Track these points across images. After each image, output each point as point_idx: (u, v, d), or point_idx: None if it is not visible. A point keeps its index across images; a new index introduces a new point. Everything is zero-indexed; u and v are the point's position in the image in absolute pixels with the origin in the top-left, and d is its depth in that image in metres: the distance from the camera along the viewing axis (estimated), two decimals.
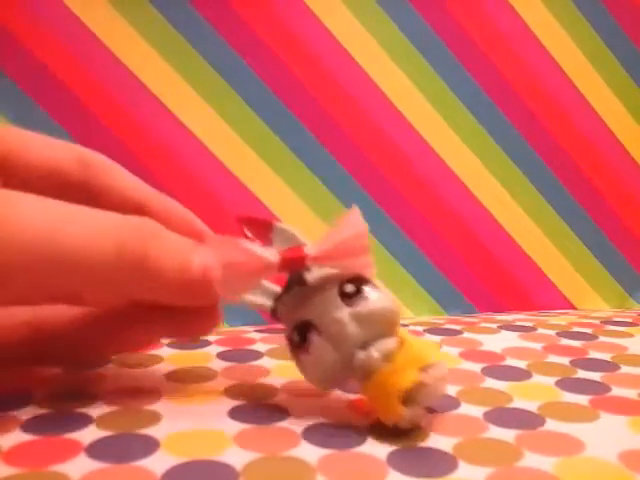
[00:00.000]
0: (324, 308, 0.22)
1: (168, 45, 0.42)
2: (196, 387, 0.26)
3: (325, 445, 0.21)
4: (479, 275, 0.47)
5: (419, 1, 0.45)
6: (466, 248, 0.47)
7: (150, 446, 0.21)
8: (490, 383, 0.27)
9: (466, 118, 0.46)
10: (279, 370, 0.28)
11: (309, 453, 0.20)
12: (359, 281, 0.23)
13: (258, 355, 0.30)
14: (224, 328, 0.38)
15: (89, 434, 0.21)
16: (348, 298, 0.22)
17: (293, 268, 0.23)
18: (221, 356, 0.30)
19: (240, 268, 0.22)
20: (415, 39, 0.45)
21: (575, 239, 0.50)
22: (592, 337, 0.34)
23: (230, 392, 0.25)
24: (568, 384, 0.27)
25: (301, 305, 0.23)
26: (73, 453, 0.20)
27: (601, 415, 0.24)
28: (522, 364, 0.29)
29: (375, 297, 0.22)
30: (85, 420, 0.22)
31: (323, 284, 0.23)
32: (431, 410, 0.24)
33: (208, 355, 0.30)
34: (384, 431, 0.22)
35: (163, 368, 0.28)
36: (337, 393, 0.25)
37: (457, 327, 0.36)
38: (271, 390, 0.26)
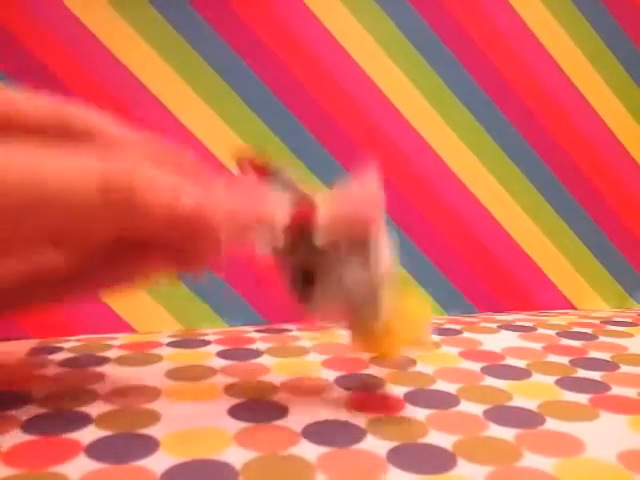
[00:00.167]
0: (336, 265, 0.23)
1: (168, 46, 0.42)
2: (196, 385, 0.26)
3: (325, 443, 0.21)
4: (479, 275, 0.47)
5: (419, 1, 0.45)
6: (466, 248, 0.47)
7: (150, 446, 0.21)
8: (490, 382, 0.27)
9: (465, 117, 0.46)
10: (279, 368, 0.28)
11: (309, 451, 0.20)
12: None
13: (258, 354, 0.30)
14: (224, 328, 0.38)
15: (89, 434, 0.21)
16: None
17: (301, 228, 0.22)
18: (221, 355, 0.30)
19: (248, 217, 0.22)
20: (413, 37, 0.45)
21: (575, 239, 0.50)
22: (592, 337, 0.34)
23: (230, 390, 0.25)
24: (568, 383, 0.27)
25: (303, 259, 0.23)
26: (73, 453, 0.20)
27: (601, 414, 0.24)
28: (522, 363, 0.29)
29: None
30: (85, 420, 0.22)
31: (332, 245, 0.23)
32: (431, 407, 0.24)
33: (208, 354, 0.30)
34: (384, 427, 0.22)
35: (163, 367, 0.28)
36: (337, 391, 0.25)
37: (457, 327, 0.36)
38: (271, 388, 0.26)
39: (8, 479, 0.19)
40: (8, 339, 0.34)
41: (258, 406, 0.24)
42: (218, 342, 0.32)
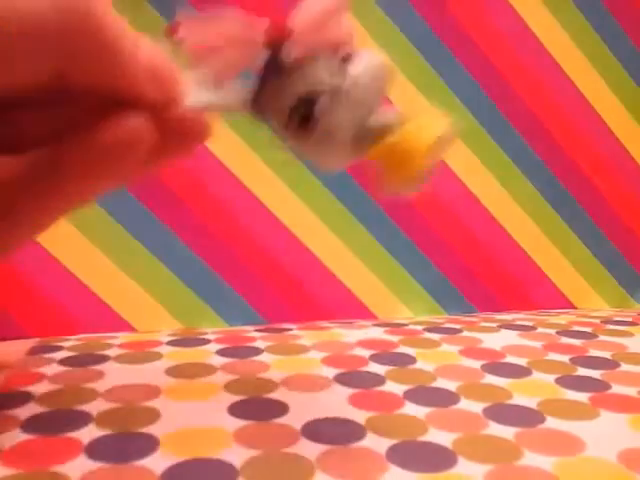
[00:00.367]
0: (326, 76, 0.20)
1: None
2: (196, 384, 0.26)
3: (324, 441, 0.21)
4: (479, 275, 0.47)
5: (419, 2, 0.45)
6: (466, 248, 0.47)
7: (150, 445, 0.21)
8: (490, 380, 0.27)
9: (465, 117, 0.46)
10: (278, 366, 0.28)
11: (308, 449, 0.20)
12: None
13: (258, 351, 0.30)
14: (224, 328, 0.38)
15: (88, 433, 0.21)
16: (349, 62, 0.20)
17: (276, 44, 0.20)
18: (220, 353, 0.30)
19: (225, 42, 0.20)
20: (415, 40, 0.45)
21: (575, 239, 0.50)
22: (592, 336, 0.34)
23: (229, 388, 0.25)
24: (568, 381, 0.27)
25: (292, 84, 0.20)
26: (73, 453, 0.20)
27: (601, 413, 0.24)
28: (522, 361, 0.29)
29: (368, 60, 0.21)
30: (85, 419, 0.22)
31: (313, 58, 0.20)
32: (431, 405, 0.24)
33: (208, 352, 0.30)
34: (384, 425, 0.22)
35: (163, 365, 0.28)
36: (337, 389, 0.25)
37: (457, 326, 0.36)
38: (270, 386, 0.26)
39: (8, 479, 0.19)
40: (8, 339, 0.34)
41: (258, 404, 0.24)
42: (218, 341, 0.32)
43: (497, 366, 0.29)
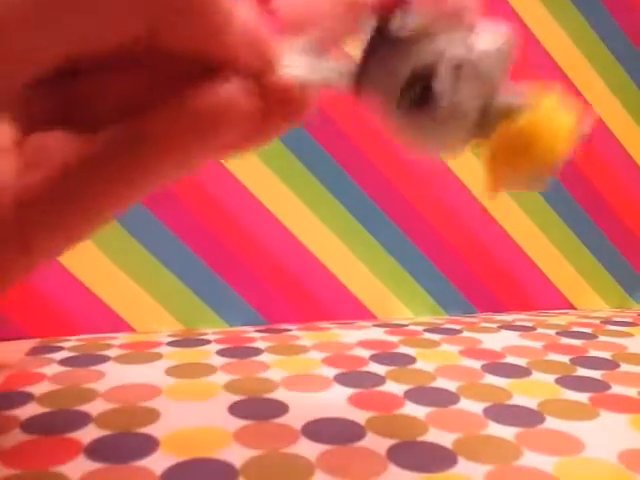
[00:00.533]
0: (448, 49, 0.17)
1: None
2: (196, 384, 0.26)
3: (324, 441, 0.21)
4: (479, 275, 0.47)
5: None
6: (466, 248, 0.47)
7: (150, 445, 0.21)
8: (490, 380, 0.27)
9: None
10: (278, 366, 0.28)
11: (308, 449, 0.20)
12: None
13: (258, 352, 0.30)
14: (224, 328, 0.38)
15: (88, 433, 0.21)
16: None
17: (385, 14, 0.18)
18: (220, 353, 0.30)
19: (325, 10, 0.18)
20: None
21: (575, 239, 0.49)
22: (592, 336, 0.34)
23: (229, 388, 0.25)
24: (568, 381, 0.27)
25: (406, 57, 0.17)
26: (72, 453, 0.20)
27: (601, 413, 0.24)
28: (522, 362, 0.29)
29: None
30: (84, 419, 0.22)
31: (432, 29, 0.17)
32: (431, 405, 0.24)
33: (208, 352, 0.30)
34: (384, 425, 0.22)
35: (162, 365, 0.28)
36: (337, 389, 0.25)
37: (457, 327, 0.36)
38: (270, 386, 0.26)
39: (8, 479, 0.19)
40: (8, 339, 0.34)
41: (258, 404, 0.24)
42: (218, 341, 0.32)
43: (497, 366, 0.29)
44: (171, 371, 0.27)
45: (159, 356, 0.29)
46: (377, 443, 0.21)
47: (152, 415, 0.23)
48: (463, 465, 0.20)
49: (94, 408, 0.23)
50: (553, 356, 0.30)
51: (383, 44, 0.18)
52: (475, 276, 0.47)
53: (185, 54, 0.16)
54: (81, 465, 0.19)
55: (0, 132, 0.17)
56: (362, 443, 0.21)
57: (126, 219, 0.40)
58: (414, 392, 0.25)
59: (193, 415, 0.23)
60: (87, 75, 0.18)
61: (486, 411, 0.24)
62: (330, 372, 0.27)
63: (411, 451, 0.20)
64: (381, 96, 0.18)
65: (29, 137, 0.17)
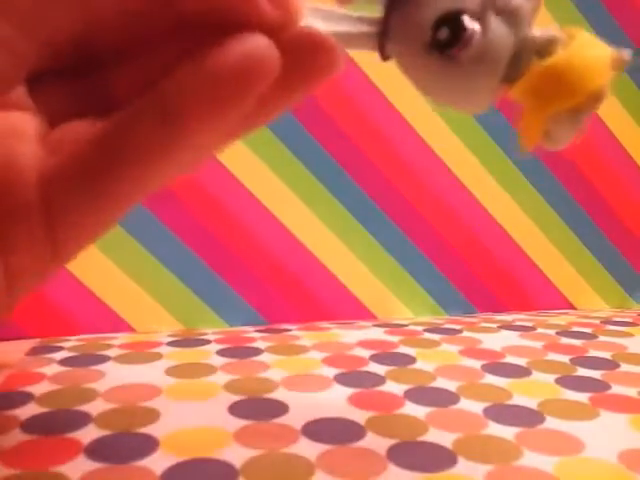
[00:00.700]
0: None
1: None
2: (196, 384, 0.26)
3: (324, 441, 0.21)
4: (479, 275, 0.47)
5: None
6: (466, 248, 0.47)
7: (150, 445, 0.21)
8: (490, 380, 0.27)
9: (465, 117, 0.46)
10: (278, 365, 0.28)
11: (308, 449, 0.20)
12: None
13: (258, 352, 0.30)
14: (224, 328, 0.38)
15: (88, 433, 0.21)
16: None
17: None
18: (220, 353, 0.30)
19: None
20: None
21: (575, 239, 0.49)
22: (592, 336, 0.34)
23: (229, 388, 0.25)
24: (568, 381, 0.27)
25: (431, 2, 0.16)
26: (72, 453, 0.20)
27: (601, 413, 0.24)
28: (522, 362, 0.29)
29: None
30: (84, 419, 0.22)
31: None
32: (431, 405, 0.24)
33: (208, 352, 0.30)
34: (384, 425, 0.22)
35: (162, 365, 0.28)
36: (337, 388, 0.25)
37: (457, 327, 0.36)
38: (270, 386, 0.26)
39: (8, 479, 0.19)
40: (8, 339, 0.34)
41: (258, 404, 0.24)
42: (218, 341, 0.32)
43: (497, 366, 0.29)
44: (171, 371, 0.27)
45: (159, 356, 0.29)
46: (377, 443, 0.21)
47: (152, 415, 0.23)
48: (463, 465, 0.20)
49: (94, 408, 0.23)
50: (553, 356, 0.30)
51: None
52: (475, 276, 0.47)
53: (205, 12, 0.16)
54: (81, 465, 0.19)
55: (23, 121, 0.17)
56: (362, 443, 0.21)
57: (126, 219, 0.40)
58: (414, 392, 0.25)
59: (193, 415, 0.23)
60: (106, 64, 0.18)
61: (486, 411, 0.24)
62: (330, 372, 0.27)
63: (411, 451, 0.20)
64: (408, 47, 0.17)
65: (53, 130, 0.17)
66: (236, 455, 0.20)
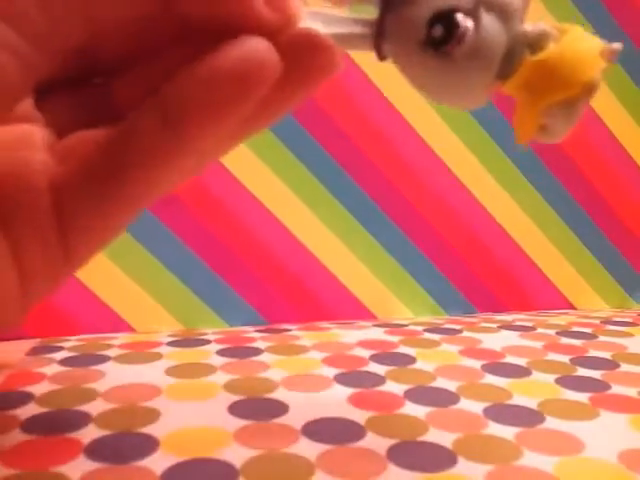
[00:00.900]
0: None
1: None
2: (196, 384, 0.26)
3: (324, 441, 0.21)
4: (479, 275, 0.47)
5: None
6: (466, 248, 0.47)
7: (150, 445, 0.21)
8: (490, 380, 0.27)
9: (465, 117, 0.46)
10: (278, 366, 0.28)
11: (308, 449, 0.20)
12: None
13: (258, 352, 0.30)
14: (224, 328, 0.38)
15: (88, 433, 0.21)
16: None
17: None
18: (220, 353, 0.30)
19: None
20: None
21: (575, 239, 0.49)
22: (592, 336, 0.34)
23: (229, 388, 0.25)
24: (568, 381, 0.27)
25: (425, 2, 0.17)
26: (72, 453, 0.20)
27: (601, 413, 0.24)
28: (522, 362, 0.29)
29: None
30: (84, 419, 0.22)
31: None
32: (431, 405, 0.24)
33: (208, 352, 0.30)
34: (384, 425, 0.22)
35: (162, 365, 0.28)
36: (337, 388, 0.25)
37: (457, 327, 0.36)
38: (270, 386, 0.26)
39: (8, 479, 0.19)
40: (8, 339, 0.34)
41: (258, 404, 0.24)
42: (218, 341, 0.32)
43: (497, 366, 0.29)
44: (171, 371, 0.27)
45: (159, 356, 0.29)
46: (377, 443, 0.21)
47: (152, 415, 0.23)
48: (463, 465, 0.20)
49: (94, 408, 0.23)
50: (553, 356, 0.30)
51: None
52: (475, 276, 0.47)
53: (203, 17, 0.16)
54: (81, 465, 0.19)
55: (32, 132, 0.17)
56: (362, 443, 0.21)
57: None
58: (414, 392, 0.25)
59: (193, 415, 0.23)
60: (109, 73, 0.18)
61: (486, 411, 0.24)
62: (330, 372, 0.27)
63: (411, 451, 0.20)
64: (403, 46, 0.17)
65: (60, 140, 0.17)
66: (236, 455, 0.20)
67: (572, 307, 0.49)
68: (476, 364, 0.29)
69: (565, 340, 0.33)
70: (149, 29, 0.17)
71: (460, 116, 0.46)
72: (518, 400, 0.25)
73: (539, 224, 0.49)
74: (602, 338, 0.34)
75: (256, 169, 0.42)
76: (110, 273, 0.39)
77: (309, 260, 0.43)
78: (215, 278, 0.41)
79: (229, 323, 0.41)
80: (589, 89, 0.17)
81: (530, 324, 0.37)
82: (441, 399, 0.25)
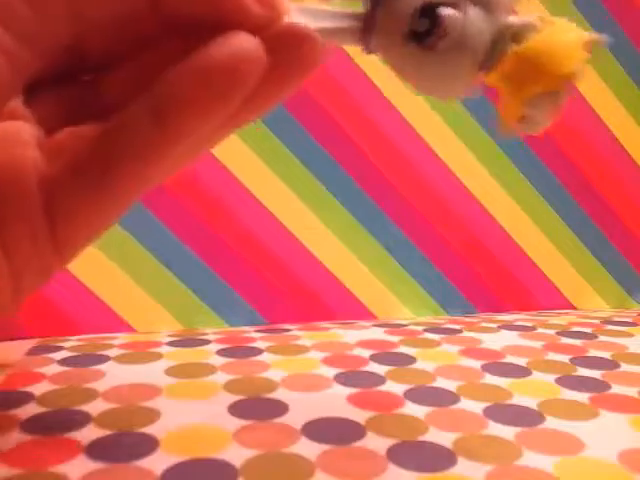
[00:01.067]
0: None
1: None
2: (196, 383, 0.26)
3: (324, 440, 0.21)
4: (479, 275, 0.47)
5: None
6: (466, 248, 0.47)
7: (150, 445, 0.21)
8: (490, 380, 0.27)
9: (464, 117, 0.46)
10: (279, 365, 0.28)
11: (308, 449, 0.20)
12: None
13: (258, 352, 0.30)
14: (224, 328, 0.38)
15: (88, 433, 0.21)
16: None
17: None
18: (220, 353, 0.30)
19: None
20: None
21: (575, 239, 0.49)
22: (592, 336, 0.34)
23: (229, 388, 0.25)
24: (568, 381, 0.27)
25: None
26: (72, 453, 0.20)
27: (601, 413, 0.24)
28: (522, 361, 0.29)
29: None
30: (84, 419, 0.22)
31: None
32: (431, 405, 0.24)
33: (208, 352, 0.30)
34: (384, 425, 0.22)
35: (162, 365, 0.28)
36: (337, 388, 0.25)
37: (457, 327, 0.36)
38: (270, 386, 0.26)
39: (8, 479, 0.19)
40: (8, 339, 0.34)
41: (258, 404, 0.24)
42: (218, 341, 0.32)
43: (497, 366, 0.29)
44: (171, 371, 0.27)
45: (159, 356, 0.29)
46: (377, 443, 0.21)
47: (152, 415, 0.23)
48: (463, 465, 0.20)
49: (94, 408, 0.23)
50: (553, 356, 0.30)
51: None
52: (475, 276, 0.47)
53: (192, 13, 0.16)
54: (81, 465, 0.19)
55: (22, 129, 0.17)
56: (362, 443, 0.21)
57: (126, 219, 0.40)
58: (414, 392, 0.25)
59: (193, 415, 0.23)
60: (97, 70, 0.18)
61: (486, 411, 0.24)
62: (330, 372, 0.27)
63: (411, 451, 0.20)
64: (390, 39, 0.17)
65: (50, 137, 0.18)
66: (236, 455, 0.20)
67: (572, 307, 0.49)
68: (476, 364, 0.29)
69: (565, 340, 0.33)
70: (137, 25, 0.17)
71: (460, 116, 0.46)
72: (518, 400, 0.25)
73: (540, 224, 0.49)
74: (602, 338, 0.34)
75: (259, 170, 0.42)
76: (110, 273, 0.39)
77: (309, 260, 0.43)
78: (215, 278, 0.41)
79: (229, 323, 0.41)
80: (570, 80, 0.17)
81: (530, 324, 0.37)
82: (441, 399, 0.25)
